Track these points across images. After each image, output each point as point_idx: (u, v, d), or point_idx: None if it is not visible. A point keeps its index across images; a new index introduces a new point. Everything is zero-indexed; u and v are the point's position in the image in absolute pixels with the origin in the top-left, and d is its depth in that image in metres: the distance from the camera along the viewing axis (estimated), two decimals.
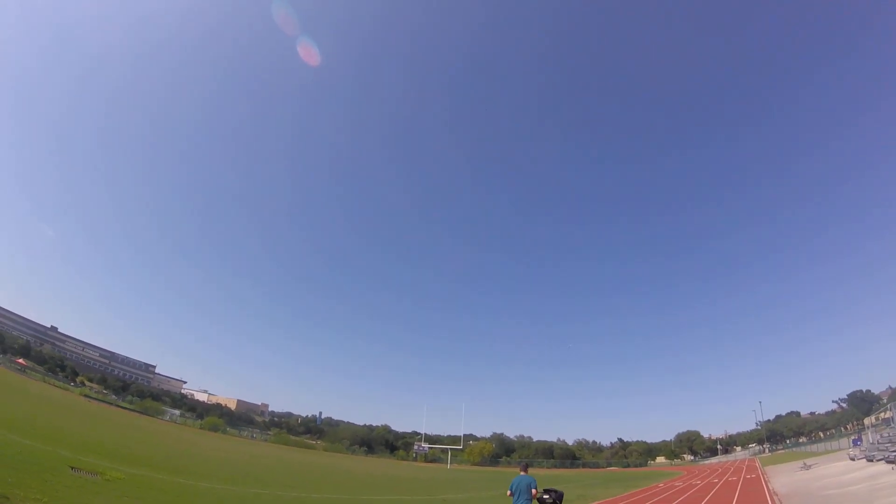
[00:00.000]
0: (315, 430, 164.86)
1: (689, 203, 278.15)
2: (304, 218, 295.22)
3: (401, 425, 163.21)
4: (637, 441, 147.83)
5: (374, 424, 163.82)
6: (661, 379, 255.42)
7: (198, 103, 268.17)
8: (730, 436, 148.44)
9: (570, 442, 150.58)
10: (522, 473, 15.43)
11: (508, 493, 15.21)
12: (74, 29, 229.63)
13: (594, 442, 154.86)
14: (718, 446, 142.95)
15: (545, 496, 15.42)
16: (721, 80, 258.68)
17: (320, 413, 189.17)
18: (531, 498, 14.77)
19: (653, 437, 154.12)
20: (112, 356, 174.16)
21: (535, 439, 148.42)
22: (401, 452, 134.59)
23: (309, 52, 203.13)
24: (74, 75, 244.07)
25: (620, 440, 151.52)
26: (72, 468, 20.07)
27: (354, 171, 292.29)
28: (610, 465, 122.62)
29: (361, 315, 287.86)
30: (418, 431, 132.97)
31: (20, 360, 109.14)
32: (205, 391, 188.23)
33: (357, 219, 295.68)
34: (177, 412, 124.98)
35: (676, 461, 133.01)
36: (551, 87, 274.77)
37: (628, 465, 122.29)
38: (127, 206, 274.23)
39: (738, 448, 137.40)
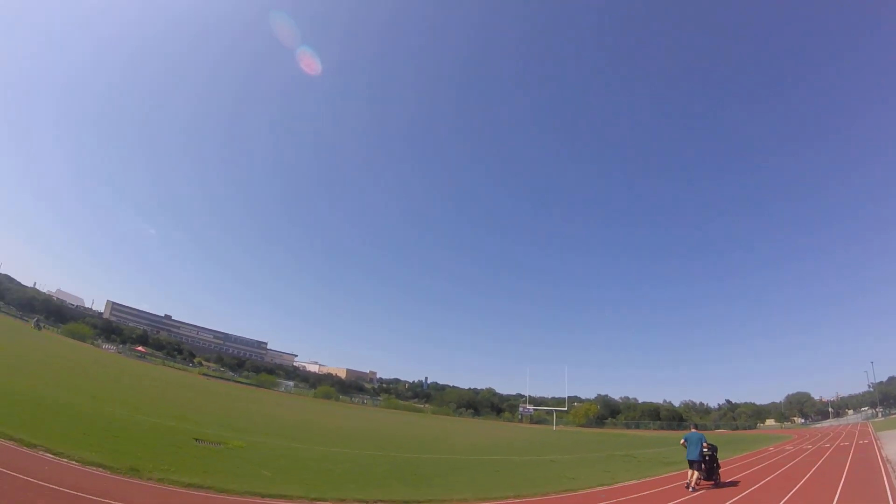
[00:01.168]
0: (422, 394, 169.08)
1: (804, 145, 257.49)
2: (405, 202, 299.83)
3: (505, 388, 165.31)
4: (745, 403, 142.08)
5: (479, 388, 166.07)
6: (772, 339, 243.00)
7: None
8: (841, 398, 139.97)
9: (676, 403, 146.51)
10: (694, 430, 22.34)
11: (682, 441, 22.30)
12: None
13: (701, 404, 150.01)
14: (830, 409, 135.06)
15: (705, 448, 21.57)
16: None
17: (426, 378, 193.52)
18: (701, 448, 21.22)
19: (762, 399, 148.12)
20: (226, 336, 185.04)
21: (640, 401, 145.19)
22: (506, 414, 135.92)
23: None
24: (157, 86, 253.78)
25: (728, 402, 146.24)
26: (196, 440, 21.23)
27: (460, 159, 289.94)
28: (718, 427, 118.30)
29: (464, 287, 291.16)
30: (522, 394, 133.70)
31: (139, 348, 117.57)
32: (315, 363, 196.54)
33: (456, 199, 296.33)
34: (290, 383, 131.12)
35: (786, 424, 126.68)
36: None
37: (736, 428, 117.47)
38: (221, 201, 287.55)
39: (850, 411, 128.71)
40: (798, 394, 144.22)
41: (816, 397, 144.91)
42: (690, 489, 20.39)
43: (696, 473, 20.86)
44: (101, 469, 13.69)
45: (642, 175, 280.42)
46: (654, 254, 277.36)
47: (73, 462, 13.80)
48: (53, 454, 14.08)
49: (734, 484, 22.72)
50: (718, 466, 22.97)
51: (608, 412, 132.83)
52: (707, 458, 21.67)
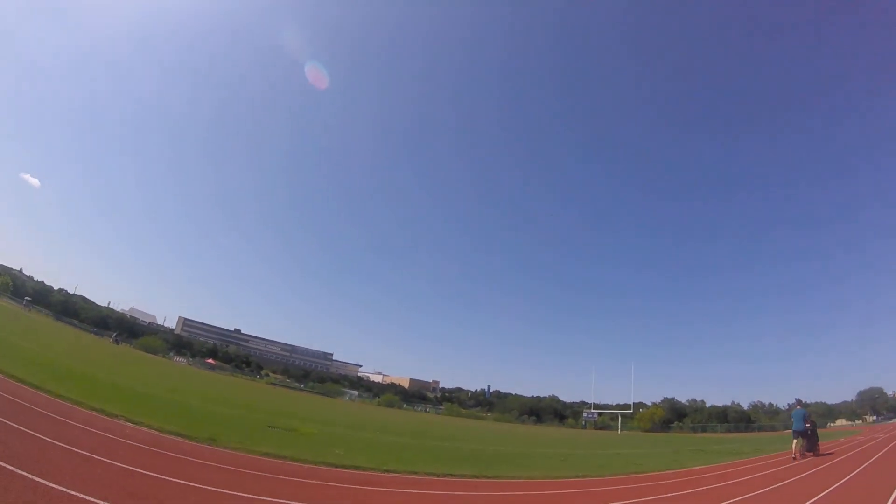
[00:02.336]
0: (484, 402, 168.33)
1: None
2: (465, 215, 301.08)
3: (569, 395, 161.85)
4: (816, 402, 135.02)
5: (541, 395, 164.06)
6: (843, 333, 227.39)
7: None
8: None
9: (744, 405, 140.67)
10: (798, 407, 26.06)
11: (790, 416, 25.73)
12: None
13: (770, 404, 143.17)
14: None
15: (807, 424, 24.84)
16: None
17: (489, 386, 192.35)
18: (804, 422, 24.46)
19: (833, 398, 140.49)
20: (293, 349, 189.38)
21: (707, 403, 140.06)
22: (570, 421, 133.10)
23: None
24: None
25: (798, 401, 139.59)
26: (269, 426, 21.59)
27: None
28: (787, 427, 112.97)
29: (522, 298, 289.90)
30: (586, 401, 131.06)
31: (209, 360, 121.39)
32: (379, 373, 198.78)
33: (517, 217, 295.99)
34: (355, 392, 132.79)
35: (858, 422, 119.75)
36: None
37: None
38: (283, 224, 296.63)
39: None
40: (870, 389, 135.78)
41: (890, 393, 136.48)
42: (794, 459, 23.42)
43: (799, 443, 24.18)
44: (180, 437, 14.09)
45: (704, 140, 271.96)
46: (715, 241, 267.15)
47: (153, 430, 14.25)
48: (134, 423, 14.62)
49: (829, 454, 26.57)
50: (818, 439, 26.47)
51: (674, 416, 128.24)
52: (809, 431, 25.15)
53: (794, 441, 24.45)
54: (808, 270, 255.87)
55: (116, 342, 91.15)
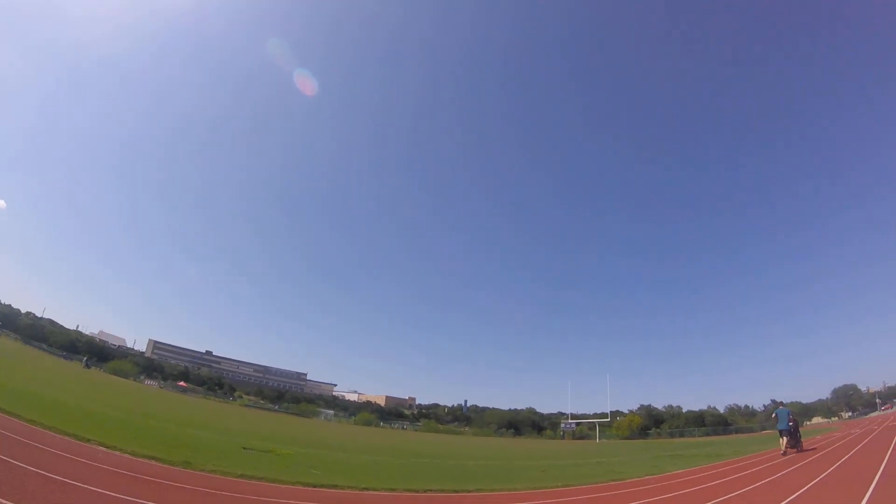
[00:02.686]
0: (462, 417, 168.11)
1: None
2: (445, 217, 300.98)
3: (546, 407, 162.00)
4: (791, 402, 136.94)
5: (519, 408, 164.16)
6: (814, 333, 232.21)
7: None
8: (888, 387, 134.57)
9: (720, 409, 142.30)
10: (782, 407, 29.63)
11: (773, 416, 28.26)
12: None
13: (746, 406, 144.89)
14: (878, 400, 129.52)
15: (790, 422, 26.73)
16: None
17: (466, 401, 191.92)
18: (787, 420, 26.51)
19: (808, 397, 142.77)
20: (265, 370, 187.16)
21: (684, 409, 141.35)
22: (548, 432, 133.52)
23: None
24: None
25: (773, 402, 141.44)
26: (244, 448, 21.58)
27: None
28: (764, 428, 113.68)
29: (501, 304, 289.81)
30: (563, 412, 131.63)
31: (181, 383, 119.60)
32: (354, 391, 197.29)
33: (506, 211, 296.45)
34: (330, 412, 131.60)
35: (834, 419, 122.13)
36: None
37: None
38: (258, 237, 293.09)
39: None
40: (844, 386, 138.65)
41: (864, 389, 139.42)
42: (784, 454, 25.70)
43: (785, 439, 26.40)
44: (154, 461, 14.04)
45: (669, 167, 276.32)
46: (686, 252, 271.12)
47: (126, 454, 14.20)
48: (106, 447, 14.53)
49: (812, 449, 28.91)
50: (800, 435, 29.06)
51: (652, 422, 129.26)
52: (792, 428, 27.09)
53: (782, 439, 26.78)
54: (780, 273, 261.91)
55: (87, 366, 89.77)
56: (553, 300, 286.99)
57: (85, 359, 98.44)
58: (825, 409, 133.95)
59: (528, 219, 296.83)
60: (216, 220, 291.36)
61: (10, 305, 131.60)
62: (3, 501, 7.50)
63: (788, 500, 13.53)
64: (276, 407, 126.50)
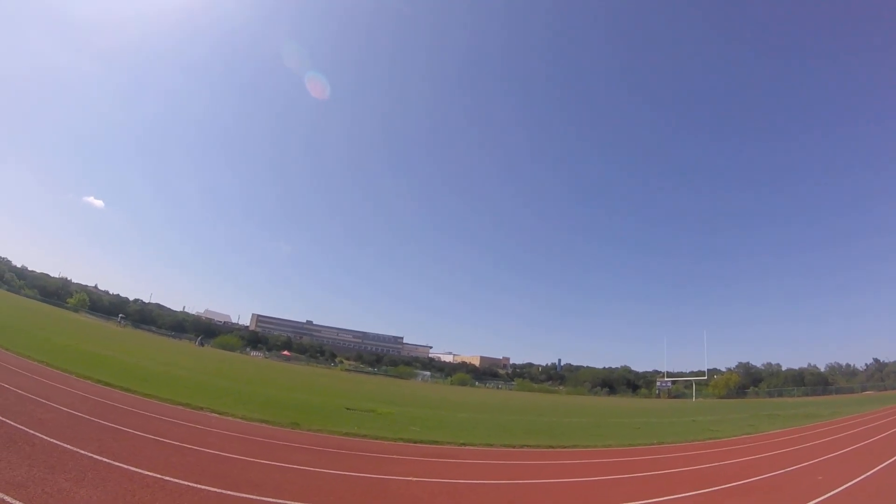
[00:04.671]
0: (556, 376, 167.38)
1: None
2: (524, 186, 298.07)
3: (641, 365, 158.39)
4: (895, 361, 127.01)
5: (613, 366, 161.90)
6: None
7: None
8: None
9: (821, 367, 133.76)
10: None
11: None
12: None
13: (847, 365, 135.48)
14: None
15: None
16: None
17: (559, 360, 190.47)
18: None
19: None
20: (364, 335, 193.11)
21: (783, 367, 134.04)
22: (643, 391, 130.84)
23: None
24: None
25: (876, 360, 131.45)
26: (347, 409, 22.18)
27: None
28: (865, 388, 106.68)
29: (588, 269, 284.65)
30: (659, 370, 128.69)
31: (284, 353, 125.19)
32: (450, 353, 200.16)
33: (567, 177, 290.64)
34: (427, 373, 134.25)
35: None
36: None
37: (885, 388, 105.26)
38: (346, 209, 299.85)
39: None
40: None
41: None
42: None
43: None
44: (263, 424, 14.56)
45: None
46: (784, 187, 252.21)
47: (238, 419, 14.78)
48: (219, 413, 15.18)
49: None
50: None
51: (750, 381, 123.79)
52: None
53: None
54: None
55: (201, 345, 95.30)
56: (649, 252, 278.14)
57: (199, 338, 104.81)
58: None
59: (624, 168, 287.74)
60: (304, 197, 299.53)
61: (118, 295, 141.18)
62: (123, 465, 7.84)
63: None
64: (375, 370, 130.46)
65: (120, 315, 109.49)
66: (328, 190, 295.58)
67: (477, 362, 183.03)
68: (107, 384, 17.39)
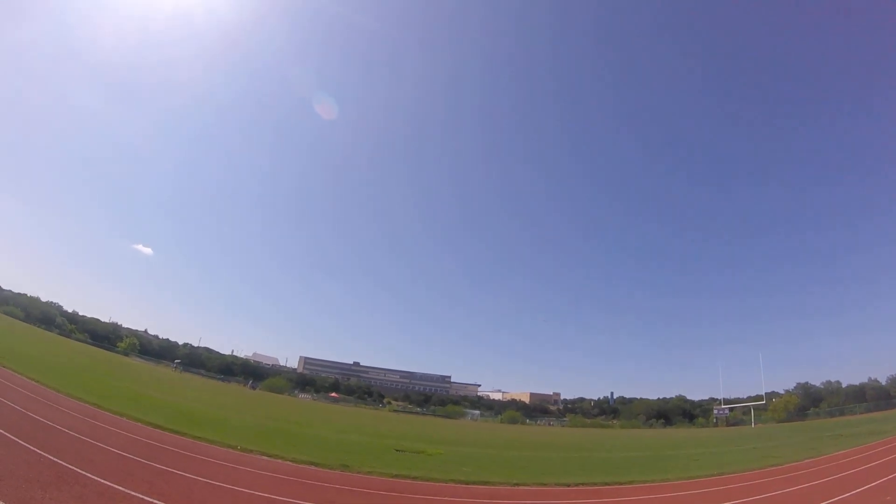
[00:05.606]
0: (608, 410, 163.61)
1: None
2: (573, 206, 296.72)
3: (696, 394, 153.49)
4: None
5: (668, 396, 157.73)
6: None
7: None
8: None
9: (882, 380, 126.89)
10: None
11: None
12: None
13: None
14: None
15: None
16: None
17: (612, 393, 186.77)
18: None
19: None
20: (411, 375, 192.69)
21: (843, 383, 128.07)
22: (700, 420, 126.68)
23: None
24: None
25: None
26: (397, 450, 21.92)
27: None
28: None
29: (640, 296, 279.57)
30: (715, 397, 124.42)
31: (333, 394, 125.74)
32: (499, 391, 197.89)
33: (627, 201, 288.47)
34: (476, 412, 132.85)
35: None
36: None
37: None
38: (398, 253, 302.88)
39: None
40: None
41: None
42: None
43: None
44: (313, 466, 14.42)
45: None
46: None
47: (287, 461, 14.67)
48: (269, 456, 15.11)
49: None
50: None
51: (809, 401, 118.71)
52: None
53: None
54: None
55: (253, 387, 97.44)
56: (701, 272, 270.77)
57: (250, 381, 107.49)
58: None
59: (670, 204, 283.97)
60: (349, 238, 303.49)
61: (167, 339, 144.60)
62: None
63: None
64: (424, 410, 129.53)
65: (176, 360, 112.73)
66: (369, 231, 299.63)
67: (527, 399, 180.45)
68: (158, 426, 17.54)
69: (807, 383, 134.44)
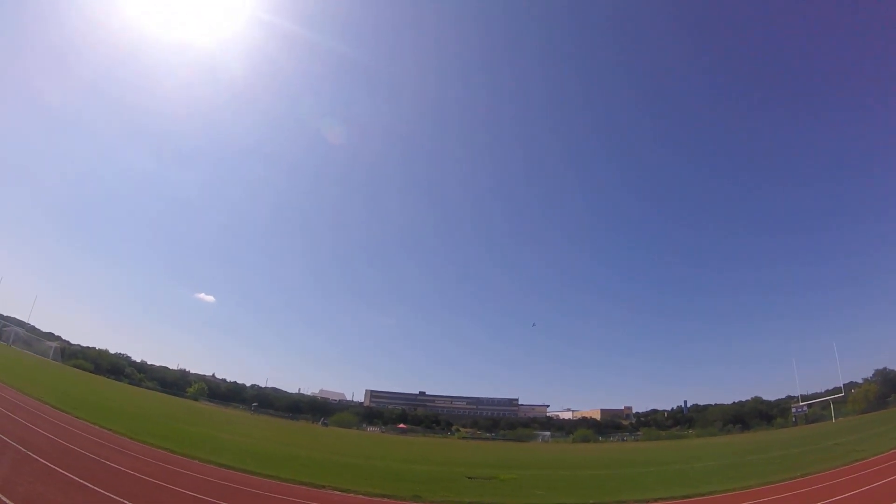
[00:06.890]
0: (683, 419, 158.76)
1: None
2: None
3: (772, 393, 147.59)
4: None
5: (743, 399, 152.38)
6: None
7: None
8: None
9: None
10: None
11: None
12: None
13: None
14: None
15: None
16: None
17: (685, 402, 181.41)
18: None
19: None
20: (477, 401, 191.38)
21: None
22: (778, 420, 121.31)
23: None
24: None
25: None
26: (468, 477, 21.64)
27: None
28: None
29: (703, 290, 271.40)
30: (792, 394, 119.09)
31: (400, 426, 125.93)
32: (568, 409, 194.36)
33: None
34: (547, 433, 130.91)
35: None
36: None
37: None
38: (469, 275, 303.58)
39: None
40: None
41: None
42: None
43: None
44: (386, 498, 14.32)
45: None
46: None
47: (360, 495, 14.59)
48: (341, 491, 15.07)
49: None
50: None
51: (890, 388, 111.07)
52: None
53: None
54: None
55: (325, 425, 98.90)
56: (766, 262, 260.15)
57: (322, 419, 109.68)
58: None
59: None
60: (404, 270, 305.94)
61: (235, 382, 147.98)
62: None
63: None
64: (493, 435, 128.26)
65: (254, 404, 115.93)
66: (428, 259, 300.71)
67: (597, 416, 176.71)
68: (228, 467, 17.75)
69: (885, 369, 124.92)
